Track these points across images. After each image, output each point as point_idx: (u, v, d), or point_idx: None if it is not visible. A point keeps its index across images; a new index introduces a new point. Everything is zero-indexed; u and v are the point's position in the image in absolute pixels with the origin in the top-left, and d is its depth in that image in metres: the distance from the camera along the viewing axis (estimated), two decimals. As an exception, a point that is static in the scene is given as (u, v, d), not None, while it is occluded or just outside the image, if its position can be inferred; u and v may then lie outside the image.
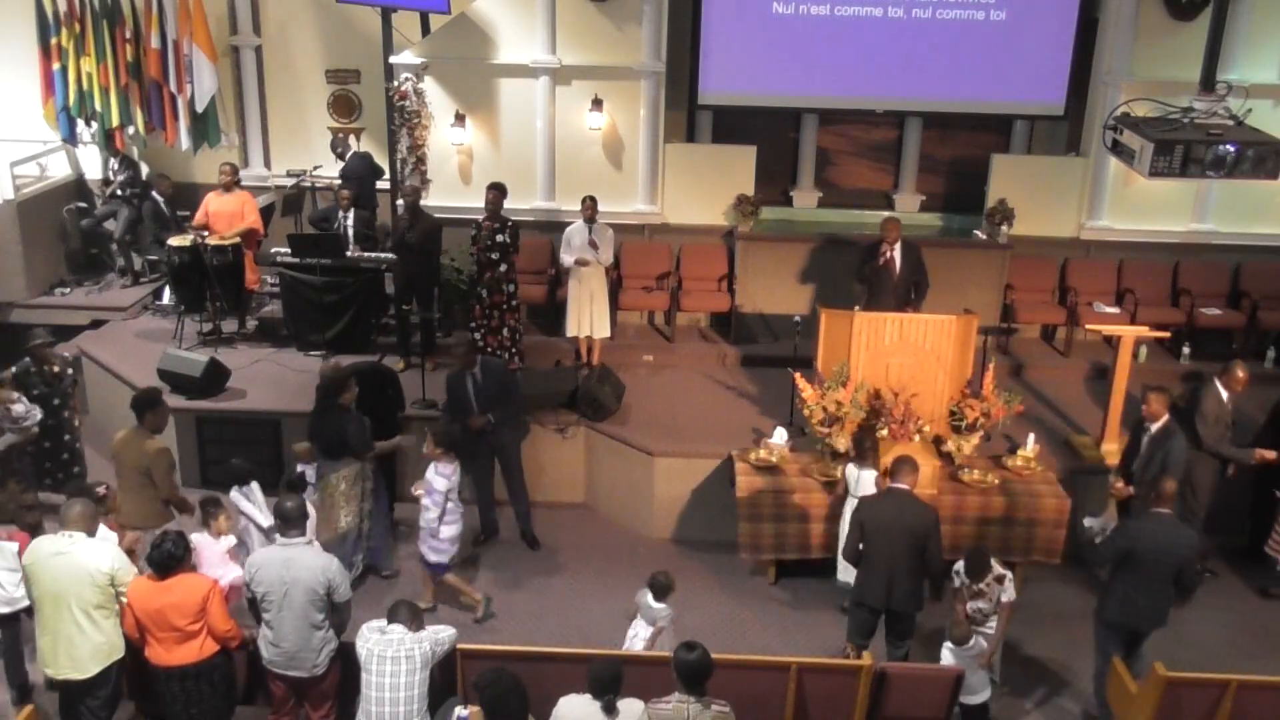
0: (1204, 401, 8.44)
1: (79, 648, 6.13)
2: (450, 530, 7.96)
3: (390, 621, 5.94)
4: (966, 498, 8.45)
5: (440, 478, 7.85)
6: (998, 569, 7.11)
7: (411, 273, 10.28)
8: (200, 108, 11.99)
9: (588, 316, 10.22)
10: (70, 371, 9.11)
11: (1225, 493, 8.77)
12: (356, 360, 9.64)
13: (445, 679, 6.33)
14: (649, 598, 7.00)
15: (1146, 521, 6.93)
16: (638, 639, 7.01)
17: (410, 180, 11.20)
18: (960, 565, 7.22)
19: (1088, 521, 7.54)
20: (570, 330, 10.30)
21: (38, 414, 8.45)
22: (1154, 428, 8.05)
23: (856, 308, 9.39)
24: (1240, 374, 8.42)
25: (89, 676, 6.19)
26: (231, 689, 6.44)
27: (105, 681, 6.25)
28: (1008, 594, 7.10)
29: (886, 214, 11.08)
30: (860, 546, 7.12)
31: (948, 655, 6.81)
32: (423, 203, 10.49)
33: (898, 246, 9.85)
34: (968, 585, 7.13)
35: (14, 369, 8.68)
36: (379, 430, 8.80)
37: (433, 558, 8.02)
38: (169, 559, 6.05)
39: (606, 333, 10.40)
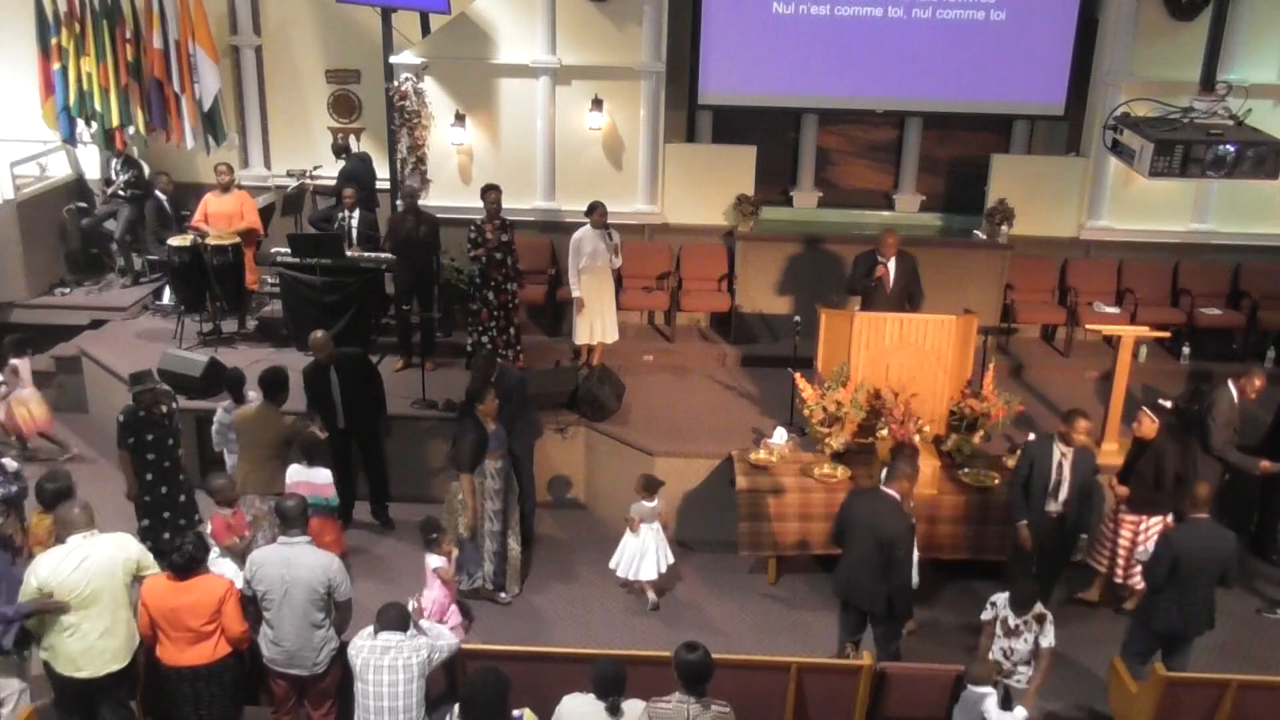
0: (1217, 404, 8.42)
1: (117, 639, 6.13)
2: None
3: (381, 628, 5.86)
4: (966, 498, 8.45)
5: None
6: (1039, 609, 6.67)
7: (414, 272, 10.28)
8: (206, 107, 12.00)
9: (600, 323, 10.22)
10: (175, 406, 8.55)
11: (1232, 492, 8.80)
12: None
13: (448, 682, 6.33)
14: (643, 503, 8.11)
15: (1188, 529, 6.86)
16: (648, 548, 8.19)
17: (410, 180, 11.21)
18: (1001, 596, 6.80)
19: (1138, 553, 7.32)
20: (582, 338, 10.25)
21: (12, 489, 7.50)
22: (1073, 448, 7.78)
23: (856, 308, 9.41)
24: (1258, 382, 8.39)
25: (124, 666, 6.19)
26: (241, 690, 6.45)
27: (135, 669, 6.27)
28: (1047, 638, 6.59)
29: (885, 220, 11.06)
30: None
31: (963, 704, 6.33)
32: (420, 203, 10.50)
33: (893, 260, 9.63)
34: (1003, 620, 6.72)
35: (120, 415, 8.17)
36: (361, 421, 8.86)
37: None
38: (190, 561, 6.07)
39: (615, 336, 10.40)
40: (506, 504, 8.23)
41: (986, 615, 6.82)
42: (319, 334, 8.76)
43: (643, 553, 8.24)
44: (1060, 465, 7.63)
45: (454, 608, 7.55)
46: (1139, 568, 7.97)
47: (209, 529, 7.38)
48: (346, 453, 9.03)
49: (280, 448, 8.10)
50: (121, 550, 6.18)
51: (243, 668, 6.41)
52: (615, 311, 10.35)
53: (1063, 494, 7.67)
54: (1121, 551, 8.10)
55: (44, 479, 7.11)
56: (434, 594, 7.42)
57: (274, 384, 8.25)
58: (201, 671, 6.15)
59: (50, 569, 6.02)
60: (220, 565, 7.12)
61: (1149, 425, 7.90)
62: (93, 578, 6.04)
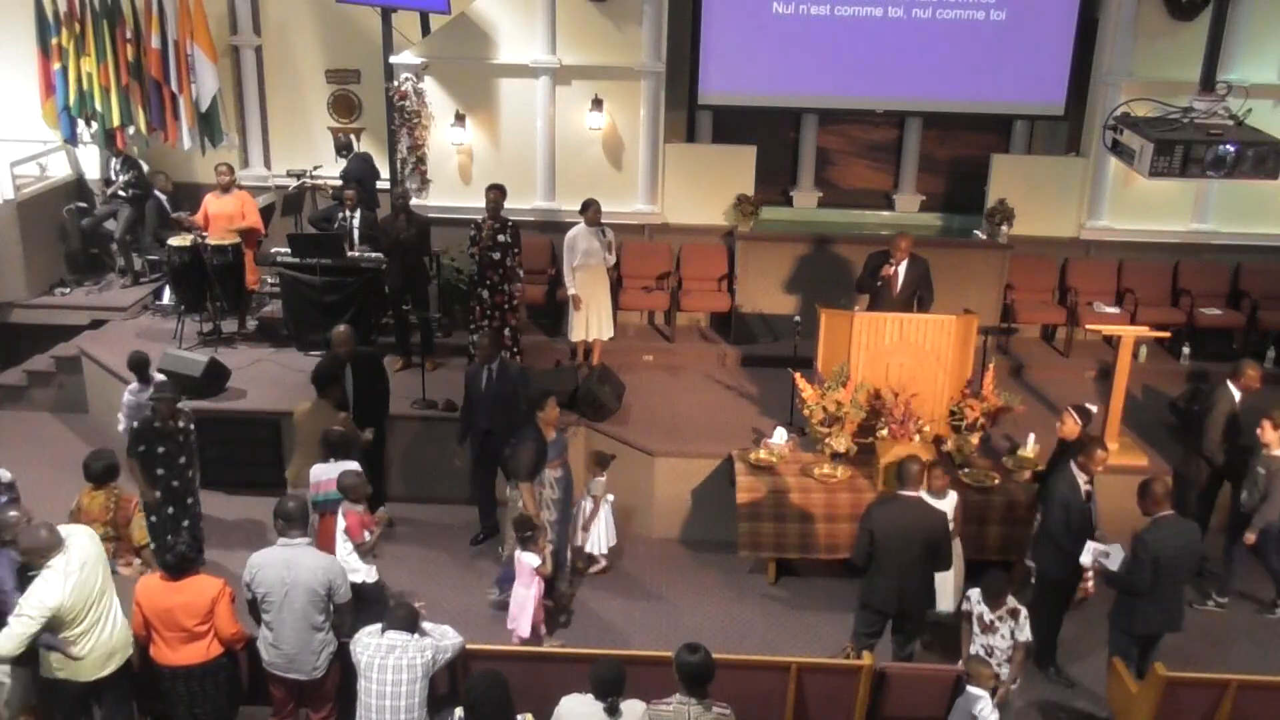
0: (1217, 405, 8.40)
1: (121, 628, 6.14)
2: None
3: (388, 627, 5.87)
4: (966, 498, 8.44)
5: None
6: (1012, 603, 6.66)
7: (404, 273, 10.27)
8: (204, 108, 11.99)
9: (595, 320, 10.22)
10: (192, 427, 8.28)
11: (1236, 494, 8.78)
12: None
13: (450, 682, 6.33)
14: (598, 479, 8.45)
15: (1160, 528, 6.83)
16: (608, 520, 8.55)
17: (409, 181, 11.20)
18: (974, 591, 6.79)
19: (1090, 556, 7.06)
20: (577, 335, 10.25)
21: None
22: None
23: (856, 308, 9.41)
24: (1251, 372, 8.39)
25: (129, 658, 6.19)
26: (236, 689, 6.45)
27: (131, 661, 6.27)
28: (1023, 633, 6.62)
29: (885, 220, 11.03)
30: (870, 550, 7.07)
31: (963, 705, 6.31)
32: (420, 203, 10.49)
33: (904, 263, 9.60)
34: (979, 616, 6.72)
35: (136, 424, 8.06)
36: (368, 419, 8.81)
37: None
38: (182, 560, 6.06)
39: (610, 333, 10.40)
40: (564, 514, 8.16)
41: (964, 608, 6.86)
42: (342, 328, 8.75)
43: (606, 524, 8.57)
44: (1090, 494, 7.41)
45: (540, 606, 7.62)
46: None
47: (343, 525, 7.35)
48: None
49: None
50: (93, 542, 6.13)
51: (237, 665, 6.40)
52: (610, 308, 10.35)
53: (1096, 521, 7.45)
54: None
55: (90, 458, 7.24)
56: (530, 591, 7.51)
57: (327, 379, 8.31)
58: (195, 671, 6.15)
59: (61, 597, 5.82)
60: (351, 562, 7.20)
61: (1072, 426, 7.88)
62: (94, 579, 6.02)
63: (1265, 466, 7.95)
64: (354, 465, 7.85)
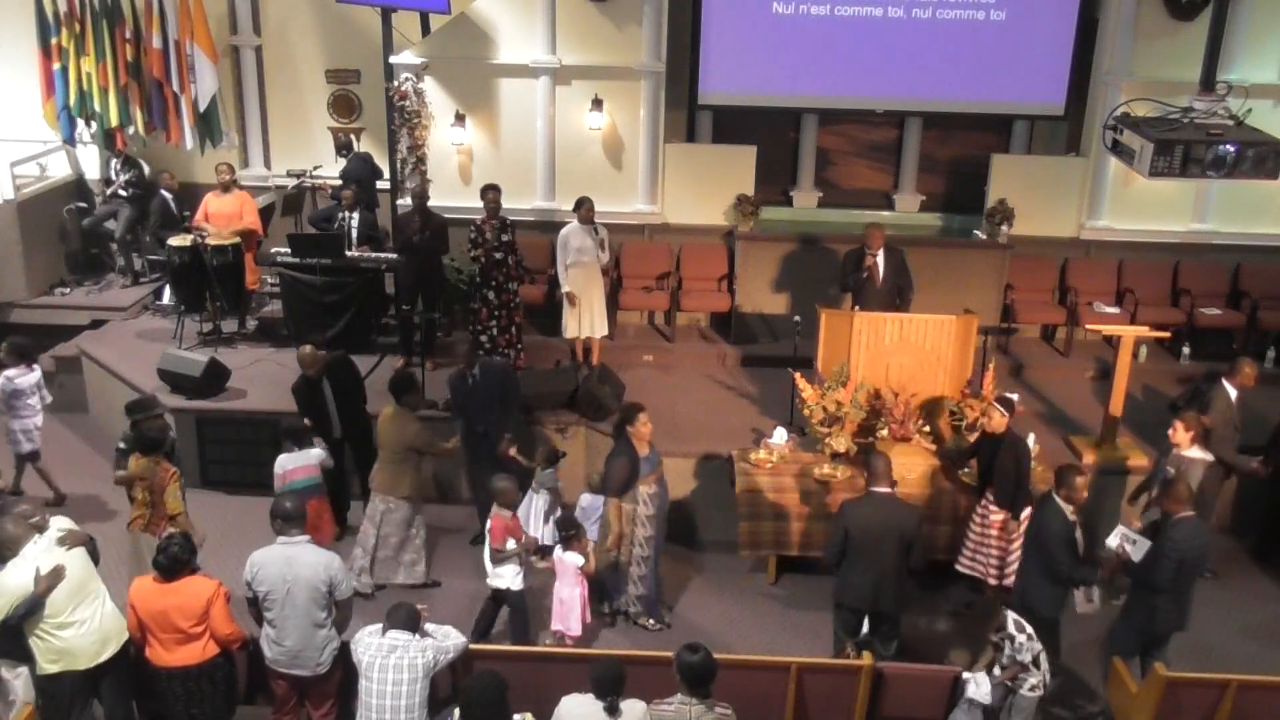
0: (1214, 404, 8.40)
1: (113, 612, 6.19)
2: None
3: (389, 627, 5.87)
4: (967, 498, 8.44)
5: None
6: (1012, 629, 6.39)
7: (419, 272, 10.27)
8: (203, 107, 11.99)
9: (588, 317, 10.21)
10: (173, 435, 8.31)
11: (1238, 495, 8.80)
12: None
13: (452, 683, 6.33)
14: (546, 470, 8.23)
15: (1184, 528, 6.77)
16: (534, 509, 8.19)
17: (414, 180, 11.21)
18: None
19: (1118, 540, 6.92)
20: (571, 332, 10.23)
21: None
22: None
23: (855, 308, 9.41)
24: (1248, 370, 8.40)
25: (125, 645, 6.24)
26: (233, 689, 6.45)
27: (128, 650, 6.29)
28: (1021, 655, 6.41)
29: (885, 220, 11.04)
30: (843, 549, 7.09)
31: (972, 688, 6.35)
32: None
33: (881, 254, 9.72)
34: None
35: (121, 442, 7.94)
36: (354, 425, 8.84)
37: None
38: (175, 562, 6.06)
39: (605, 331, 10.39)
40: (659, 531, 7.99)
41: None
42: (306, 349, 8.62)
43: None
44: (1075, 524, 7.11)
45: (582, 608, 7.58)
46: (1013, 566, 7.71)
47: (488, 525, 7.40)
48: (340, 457, 8.98)
49: (406, 453, 8.13)
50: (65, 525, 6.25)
51: (234, 665, 6.40)
52: (604, 306, 10.32)
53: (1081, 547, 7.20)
54: (996, 552, 7.92)
55: (147, 429, 7.42)
56: (575, 591, 7.49)
57: (402, 388, 8.28)
58: (192, 671, 6.16)
59: (22, 580, 5.93)
60: (489, 566, 7.27)
61: (999, 419, 7.80)
62: (76, 570, 6.05)
63: (1175, 466, 7.84)
64: (318, 452, 8.01)
